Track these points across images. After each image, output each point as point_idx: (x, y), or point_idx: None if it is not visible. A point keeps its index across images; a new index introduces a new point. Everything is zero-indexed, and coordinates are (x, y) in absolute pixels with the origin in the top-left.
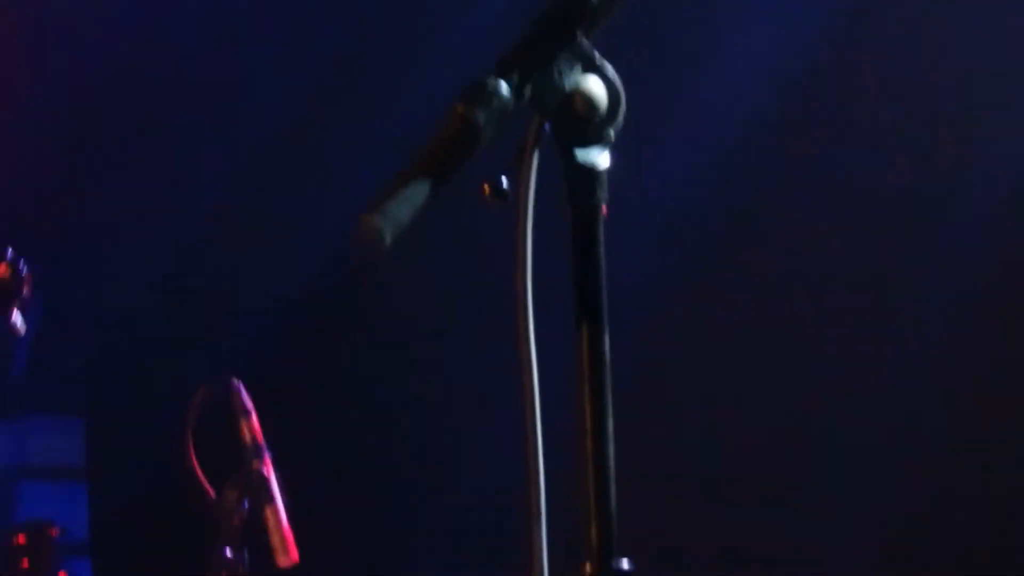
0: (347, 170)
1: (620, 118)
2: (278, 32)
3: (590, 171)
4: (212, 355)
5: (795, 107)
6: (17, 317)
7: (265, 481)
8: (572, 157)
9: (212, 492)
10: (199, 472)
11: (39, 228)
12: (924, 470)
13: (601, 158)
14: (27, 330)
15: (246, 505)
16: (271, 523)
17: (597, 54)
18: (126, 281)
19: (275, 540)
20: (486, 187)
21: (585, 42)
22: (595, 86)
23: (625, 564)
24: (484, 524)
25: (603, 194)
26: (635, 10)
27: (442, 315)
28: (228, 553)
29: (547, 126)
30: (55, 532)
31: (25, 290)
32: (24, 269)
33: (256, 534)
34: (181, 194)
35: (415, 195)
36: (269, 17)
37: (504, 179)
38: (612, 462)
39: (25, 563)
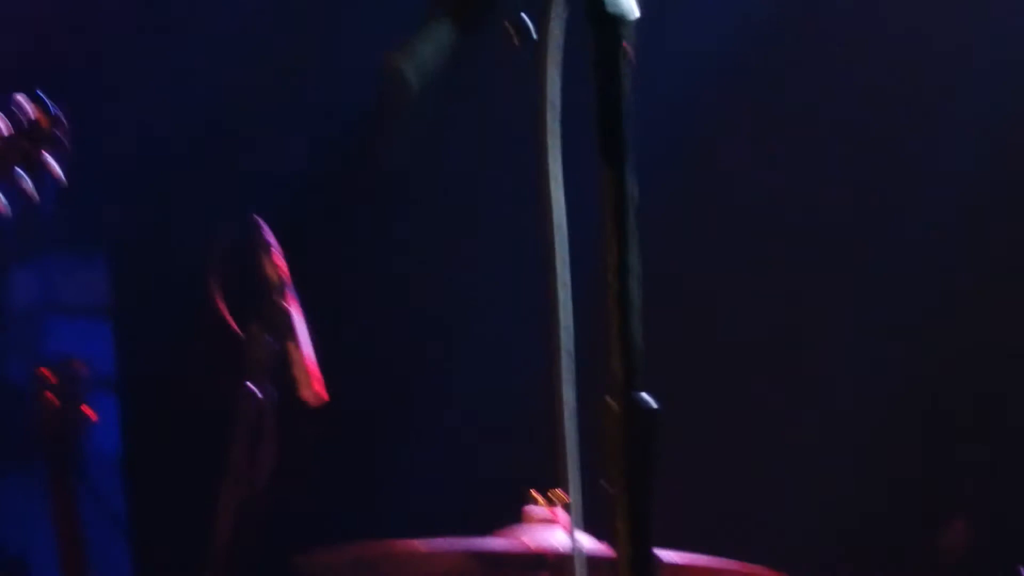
0: (382, 9)
1: None
2: None
3: (616, 15)
4: (237, 191)
5: None
6: (55, 164)
7: (288, 316)
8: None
9: (237, 329)
10: (225, 309)
11: (62, 65)
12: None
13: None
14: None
15: (271, 341)
16: (294, 357)
17: None
18: (151, 116)
19: (299, 374)
20: (510, 29)
21: None
22: None
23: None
24: (510, 376)
25: (628, 35)
26: None
27: (468, 164)
28: (254, 388)
29: None
30: (81, 367)
31: (60, 132)
32: (56, 111)
33: (282, 369)
34: (209, 30)
35: (439, 39)
36: None
37: (529, 23)
38: (637, 297)
39: (51, 397)
